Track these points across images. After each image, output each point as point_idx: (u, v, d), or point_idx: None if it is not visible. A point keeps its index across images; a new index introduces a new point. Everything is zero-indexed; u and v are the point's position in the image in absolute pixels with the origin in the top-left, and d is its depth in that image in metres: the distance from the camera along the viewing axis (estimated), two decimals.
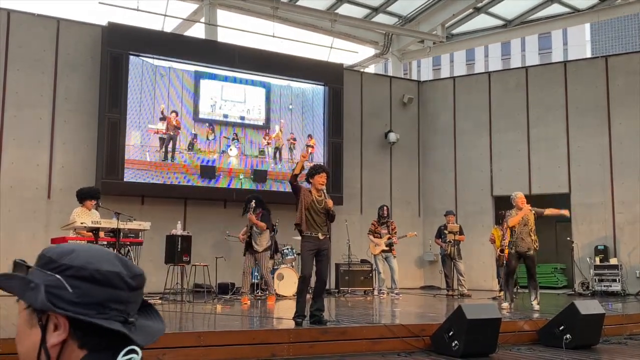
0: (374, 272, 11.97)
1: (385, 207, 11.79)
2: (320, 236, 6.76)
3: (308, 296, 6.95)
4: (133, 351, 1.06)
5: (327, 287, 11.14)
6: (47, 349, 1.05)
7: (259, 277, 10.38)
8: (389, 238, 11.36)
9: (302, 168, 7.06)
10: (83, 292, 1.04)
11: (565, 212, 9.35)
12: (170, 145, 11.85)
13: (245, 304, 9.18)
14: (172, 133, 11.88)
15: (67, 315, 1.03)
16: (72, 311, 1.03)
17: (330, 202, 6.82)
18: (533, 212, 8.99)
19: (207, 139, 12.25)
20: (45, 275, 1.06)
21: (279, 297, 10.12)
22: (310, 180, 6.89)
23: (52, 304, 1.03)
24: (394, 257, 11.41)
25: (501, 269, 10.96)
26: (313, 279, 7.02)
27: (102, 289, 1.05)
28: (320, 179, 6.83)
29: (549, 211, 9.10)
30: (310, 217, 6.75)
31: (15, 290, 1.06)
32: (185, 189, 11.90)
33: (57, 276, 1.05)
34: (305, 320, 6.50)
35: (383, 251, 11.36)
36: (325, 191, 6.87)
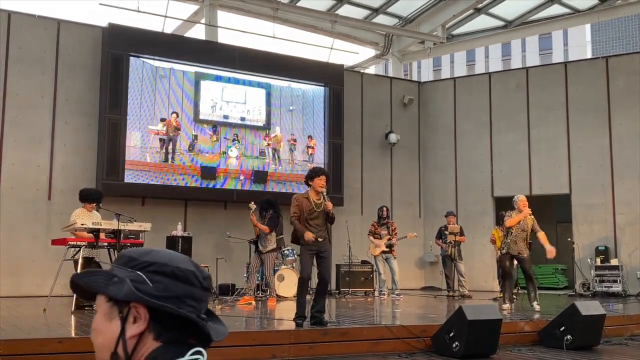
0: (374, 273, 11.97)
1: (384, 208, 11.77)
2: (319, 239, 6.74)
3: (308, 297, 6.94)
4: (199, 352, 1.13)
5: (328, 288, 11.13)
6: (125, 340, 1.12)
7: (259, 278, 10.37)
8: (389, 239, 11.35)
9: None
10: (164, 286, 1.13)
11: (550, 251, 8.72)
12: (170, 147, 11.85)
13: (250, 303, 9.18)
14: (172, 134, 11.88)
15: (149, 305, 1.11)
16: (153, 302, 1.11)
17: (330, 205, 6.77)
18: (532, 218, 8.97)
19: (211, 140, 12.26)
20: (126, 272, 1.14)
21: (280, 298, 10.11)
22: (310, 183, 6.84)
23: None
24: (394, 258, 11.40)
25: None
26: (314, 280, 7.01)
27: (181, 285, 1.14)
28: (320, 181, 6.79)
29: (542, 236, 8.85)
30: (310, 220, 6.73)
31: (98, 285, 1.15)
32: (185, 190, 11.90)
33: (138, 272, 1.14)
34: (305, 322, 6.50)
35: (383, 252, 11.35)
36: (324, 194, 6.83)
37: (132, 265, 1.15)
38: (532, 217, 9.00)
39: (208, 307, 1.22)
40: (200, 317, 1.15)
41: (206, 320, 1.16)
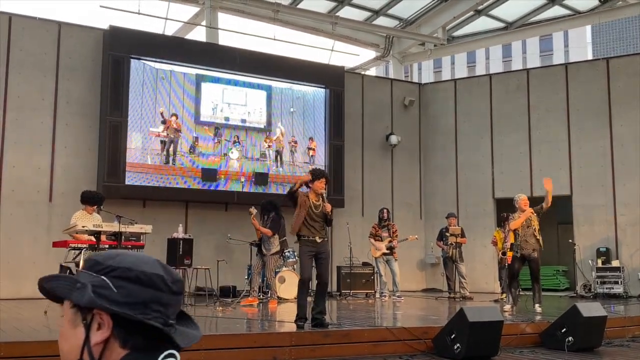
0: (375, 274, 11.96)
1: (385, 210, 11.77)
2: (318, 239, 6.75)
3: (309, 299, 6.95)
4: (172, 355, 1.10)
5: (329, 289, 11.11)
6: (90, 347, 1.09)
7: (260, 280, 10.36)
8: (389, 241, 11.35)
9: (302, 186, 6.96)
10: (128, 292, 1.09)
11: (548, 187, 8.81)
12: (171, 149, 11.85)
13: (252, 305, 9.17)
14: (172, 136, 11.88)
15: (111, 312, 1.08)
16: (116, 309, 1.08)
17: (328, 207, 6.78)
18: (532, 211, 8.92)
19: (213, 142, 12.26)
20: (91, 277, 1.11)
21: (280, 300, 10.10)
22: (310, 185, 6.87)
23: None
24: (395, 260, 11.40)
25: (503, 271, 10.95)
26: (314, 282, 7.01)
27: (146, 290, 1.10)
28: (320, 184, 6.82)
29: (546, 203, 8.81)
30: (309, 221, 6.74)
31: (62, 290, 1.12)
32: (186, 192, 11.90)
33: (103, 277, 1.10)
34: (306, 324, 6.49)
35: (384, 254, 11.35)
36: (324, 196, 6.85)
37: (97, 270, 1.11)
38: (532, 210, 8.92)
39: (183, 309, 1.18)
40: (167, 323, 1.10)
41: (173, 326, 1.11)
